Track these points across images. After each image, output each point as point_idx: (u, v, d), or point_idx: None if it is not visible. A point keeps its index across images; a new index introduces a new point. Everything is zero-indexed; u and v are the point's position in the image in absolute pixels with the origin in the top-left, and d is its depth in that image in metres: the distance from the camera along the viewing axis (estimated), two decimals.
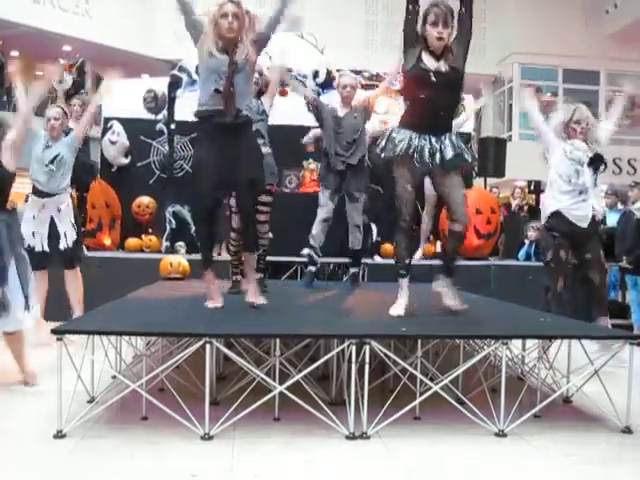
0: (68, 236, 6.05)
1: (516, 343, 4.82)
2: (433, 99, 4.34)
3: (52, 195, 6.05)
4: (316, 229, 6.19)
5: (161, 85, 9.43)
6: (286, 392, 3.63)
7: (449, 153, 4.35)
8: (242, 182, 4.43)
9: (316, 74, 9.11)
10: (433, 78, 4.30)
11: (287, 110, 9.13)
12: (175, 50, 18.81)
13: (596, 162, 5.35)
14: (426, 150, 4.33)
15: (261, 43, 4.47)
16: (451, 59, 4.38)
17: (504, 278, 8.01)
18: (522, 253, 9.66)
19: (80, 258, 6.36)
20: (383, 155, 4.41)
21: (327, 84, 9.11)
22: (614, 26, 19.83)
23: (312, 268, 6.28)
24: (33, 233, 5.96)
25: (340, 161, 6.03)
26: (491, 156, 10.07)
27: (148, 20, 20.22)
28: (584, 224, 5.40)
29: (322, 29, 13.65)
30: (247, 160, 4.40)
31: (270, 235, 5.88)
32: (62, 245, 6.05)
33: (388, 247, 8.69)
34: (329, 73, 9.06)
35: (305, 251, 6.67)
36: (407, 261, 4.54)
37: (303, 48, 10.73)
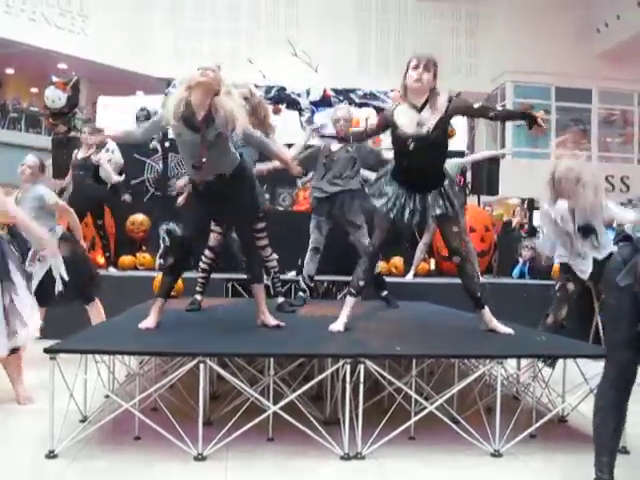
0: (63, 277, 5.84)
1: (511, 362, 4.81)
2: (414, 163, 4.43)
3: None
4: (306, 258, 6.25)
5: (155, 103, 9.44)
6: (280, 412, 3.61)
7: (431, 214, 4.50)
8: (237, 223, 4.67)
9: (309, 92, 9.13)
10: (411, 147, 4.36)
11: (280, 128, 9.17)
12: (170, 68, 18.91)
13: (587, 232, 5.24)
14: (407, 210, 4.49)
15: (245, 135, 4.52)
16: (436, 113, 4.38)
17: (498, 296, 7.98)
18: (516, 271, 9.66)
19: (93, 292, 6.20)
20: (372, 199, 4.60)
21: (321, 102, 9.14)
22: (606, 45, 20.00)
23: (302, 294, 6.32)
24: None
25: (323, 192, 6.07)
26: (484, 174, 10.08)
27: (143, 38, 20.31)
28: (585, 276, 5.33)
29: (316, 48, 13.74)
30: (239, 204, 4.53)
31: (275, 256, 5.89)
32: (58, 289, 5.65)
33: (382, 265, 8.67)
34: (323, 92, 9.09)
35: (292, 274, 6.72)
36: (361, 283, 4.58)
37: (297, 67, 10.81)
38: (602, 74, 20.24)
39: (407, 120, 4.38)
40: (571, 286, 5.41)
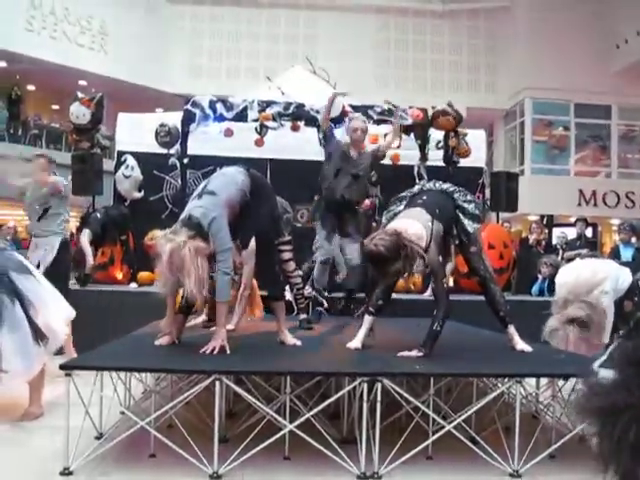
0: None
1: (530, 380, 4.75)
2: None
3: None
4: (317, 272, 6.26)
5: (175, 119, 9.49)
6: (296, 430, 3.58)
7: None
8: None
9: None
10: None
11: (299, 145, 9.19)
12: (189, 85, 19.10)
13: None
14: None
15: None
16: None
17: (517, 314, 7.90)
18: (535, 289, 9.58)
19: None
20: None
21: (340, 119, 9.15)
22: (625, 61, 19.92)
23: (319, 308, 6.32)
24: None
25: (338, 193, 6.08)
26: (503, 191, 10.04)
27: (162, 55, 20.51)
28: None
29: (334, 64, 13.79)
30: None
31: (300, 272, 5.89)
32: None
33: (400, 282, 8.63)
34: (342, 108, 9.08)
35: (308, 290, 6.72)
36: (380, 302, 4.57)
37: (315, 83, 10.83)
38: (622, 90, 20.14)
39: None
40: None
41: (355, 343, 4.49)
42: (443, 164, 9.52)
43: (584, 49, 20.10)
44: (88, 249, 8.42)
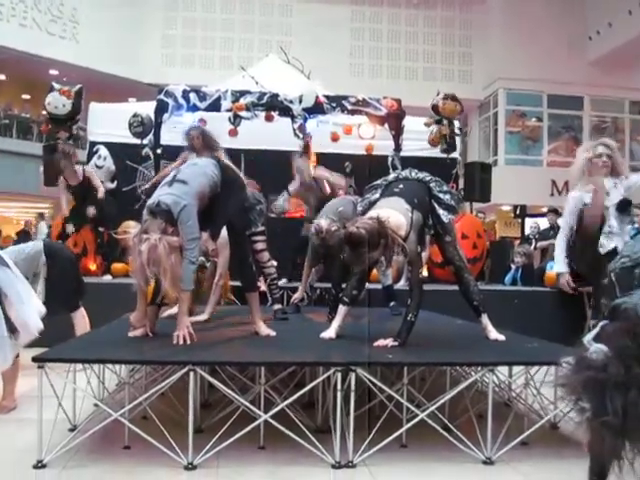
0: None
1: (502, 368, 4.80)
2: None
3: None
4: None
5: (148, 109, 9.42)
6: (271, 420, 3.58)
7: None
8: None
9: (302, 99, 9.12)
10: None
11: (272, 135, 9.18)
12: (162, 74, 18.95)
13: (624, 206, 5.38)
14: None
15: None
16: None
17: (490, 303, 7.97)
18: (508, 278, 9.67)
19: (79, 300, 6.16)
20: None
21: (314, 110, 9.14)
22: (597, 52, 20.07)
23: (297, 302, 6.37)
24: None
25: None
26: (477, 181, 10.11)
27: (135, 44, 20.31)
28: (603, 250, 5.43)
29: (308, 54, 13.76)
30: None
31: (274, 262, 5.87)
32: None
33: (373, 272, 8.67)
34: (316, 98, 9.08)
35: (284, 280, 6.74)
36: (355, 292, 4.59)
37: (289, 73, 10.82)
38: (594, 81, 20.30)
39: None
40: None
41: (329, 333, 4.50)
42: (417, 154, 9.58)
43: (557, 40, 20.22)
44: None
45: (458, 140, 10.28)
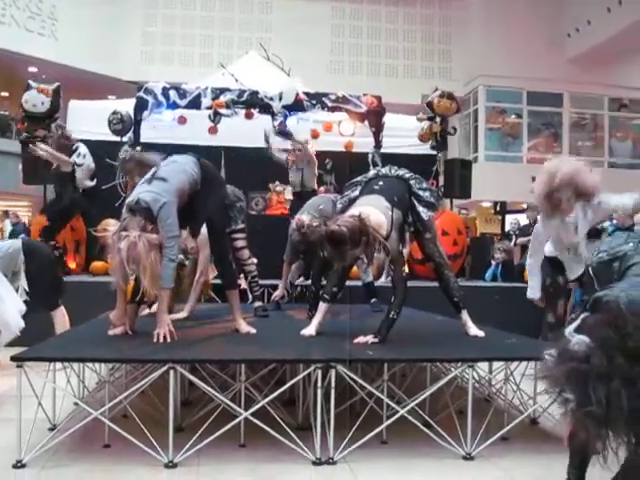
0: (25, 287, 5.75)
1: (483, 364, 4.83)
2: None
3: None
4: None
5: (127, 107, 9.37)
6: (251, 418, 3.58)
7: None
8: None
9: (282, 96, 9.12)
10: None
11: (252, 133, 9.17)
12: (142, 72, 18.83)
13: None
14: None
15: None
16: None
17: (471, 299, 8.00)
18: (489, 274, 9.72)
19: (58, 298, 6.12)
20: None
21: (293, 107, 9.14)
22: (576, 50, 20.18)
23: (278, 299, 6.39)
24: None
25: None
26: (457, 178, 10.15)
27: (115, 41, 20.17)
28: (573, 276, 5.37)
29: (288, 51, 13.75)
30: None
31: (254, 260, 5.87)
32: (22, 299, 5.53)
33: (354, 268, 8.70)
34: (296, 96, 9.08)
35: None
36: (335, 289, 4.60)
37: (269, 70, 10.80)
38: (573, 78, 20.40)
39: None
40: (561, 279, 5.44)
41: (309, 330, 4.51)
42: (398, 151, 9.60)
43: (536, 38, 20.31)
44: None
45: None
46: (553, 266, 5.50)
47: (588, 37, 19.50)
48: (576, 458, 3.06)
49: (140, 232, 3.90)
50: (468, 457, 3.67)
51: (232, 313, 4.71)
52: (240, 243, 5.60)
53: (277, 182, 9.80)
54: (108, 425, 3.65)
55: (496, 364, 4.81)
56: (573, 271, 5.27)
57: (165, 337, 4.04)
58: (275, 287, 6.62)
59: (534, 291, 5.36)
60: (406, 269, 9.34)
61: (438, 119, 9.87)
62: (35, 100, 9.20)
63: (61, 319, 5.93)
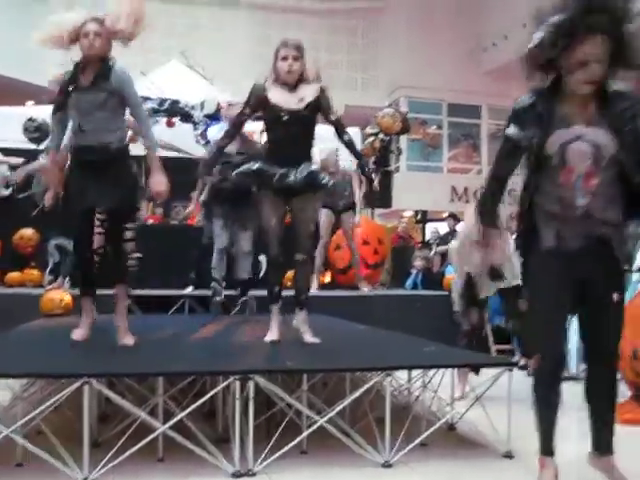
0: None
1: (402, 372, 4.89)
2: (288, 138, 4.51)
3: None
4: (215, 260, 6.26)
5: (45, 114, 9.15)
6: (169, 432, 3.54)
7: (301, 174, 4.50)
8: (108, 212, 4.37)
9: (203, 105, 9.07)
10: (285, 118, 4.46)
11: (175, 141, 9.09)
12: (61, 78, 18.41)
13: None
14: (277, 174, 4.49)
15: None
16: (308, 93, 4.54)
17: (392, 307, 8.13)
18: (409, 282, 9.86)
19: None
20: (236, 172, 4.68)
21: (215, 116, 9.09)
22: (493, 63, 20.72)
23: (218, 298, 6.32)
24: None
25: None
26: (377, 187, 10.27)
27: (32, 46, 19.65)
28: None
29: (211, 60, 13.68)
30: (112, 191, 4.33)
31: (139, 254, 5.76)
32: None
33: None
34: (217, 105, 9.05)
35: (190, 289, 6.65)
36: (277, 289, 4.68)
37: (191, 79, 10.73)
38: (491, 91, 20.93)
39: (281, 97, 4.51)
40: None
41: (272, 336, 4.58)
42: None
43: (456, 50, 20.81)
44: None
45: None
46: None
47: (504, 51, 20.04)
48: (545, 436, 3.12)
49: None
50: (386, 464, 3.70)
51: (117, 311, 4.54)
52: (129, 234, 5.47)
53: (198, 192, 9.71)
54: (21, 443, 3.55)
55: (415, 371, 4.89)
56: (484, 290, 5.43)
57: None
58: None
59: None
60: (328, 278, 9.45)
61: (381, 135, 9.97)
62: None
63: None
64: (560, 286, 2.99)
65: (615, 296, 3.01)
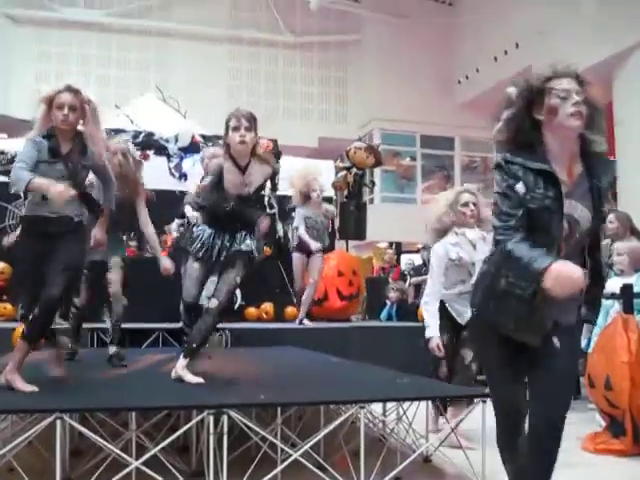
0: None
1: (377, 404, 4.89)
2: (230, 217, 4.53)
3: None
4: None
5: (18, 146, 9.11)
6: (142, 467, 3.50)
7: (234, 247, 4.51)
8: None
9: (177, 138, 9.10)
10: (230, 206, 4.48)
11: (148, 174, 9.08)
12: (32, 110, 18.37)
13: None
14: (216, 248, 4.50)
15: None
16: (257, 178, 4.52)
17: (366, 339, 8.13)
18: (384, 314, 9.88)
19: None
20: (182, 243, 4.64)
21: (189, 149, 9.13)
22: (466, 96, 21.05)
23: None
24: None
25: None
26: (352, 219, 10.34)
27: (7, 78, 19.66)
28: (462, 320, 5.30)
29: (186, 93, 13.73)
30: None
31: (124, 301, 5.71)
32: None
33: (252, 311, 8.73)
34: (192, 138, 9.09)
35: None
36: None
37: (165, 112, 10.77)
38: (463, 123, 21.21)
39: (231, 180, 4.45)
40: (446, 337, 5.44)
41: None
42: None
43: (429, 83, 21.12)
44: None
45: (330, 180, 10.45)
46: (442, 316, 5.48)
47: (477, 84, 20.38)
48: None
49: None
50: None
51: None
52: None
53: (174, 223, 9.70)
54: None
55: (389, 404, 4.89)
56: (461, 315, 5.31)
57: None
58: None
59: (431, 329, 5.38)
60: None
61: (354, 169, 10.04)
62: None
63: None
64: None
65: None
